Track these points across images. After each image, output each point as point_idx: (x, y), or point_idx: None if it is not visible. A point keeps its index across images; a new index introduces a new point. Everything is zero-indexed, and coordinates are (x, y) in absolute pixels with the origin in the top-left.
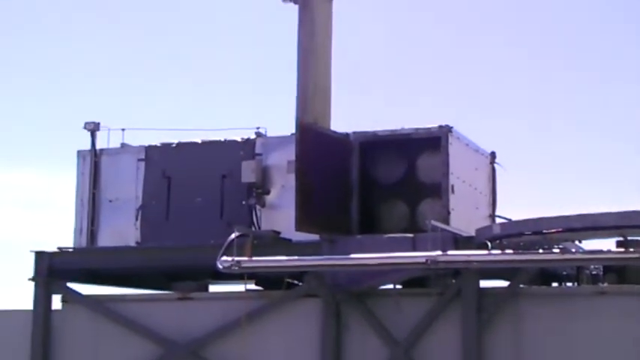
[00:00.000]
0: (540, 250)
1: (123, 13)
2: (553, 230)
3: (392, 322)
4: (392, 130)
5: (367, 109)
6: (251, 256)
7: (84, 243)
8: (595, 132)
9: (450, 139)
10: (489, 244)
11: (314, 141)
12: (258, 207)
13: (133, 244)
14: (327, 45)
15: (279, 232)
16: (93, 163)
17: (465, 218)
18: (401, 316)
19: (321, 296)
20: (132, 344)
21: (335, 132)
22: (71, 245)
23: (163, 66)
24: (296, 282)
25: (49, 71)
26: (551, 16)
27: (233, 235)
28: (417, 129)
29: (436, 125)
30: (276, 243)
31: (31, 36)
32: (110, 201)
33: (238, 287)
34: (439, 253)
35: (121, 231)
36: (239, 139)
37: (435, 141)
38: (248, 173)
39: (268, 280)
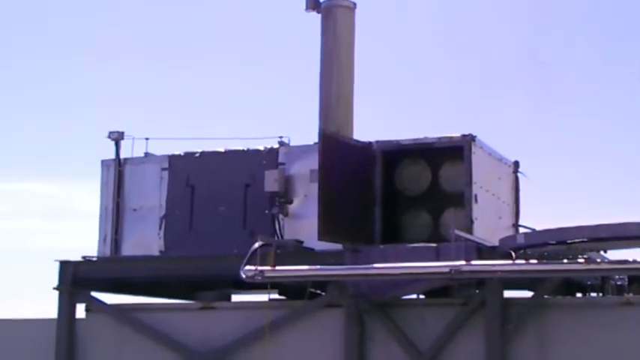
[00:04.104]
0: (565, 260)
1: (147, 23)
2: (577, 240)
3: (415, 332)
4: (415, 139)
5: (390, 118)
6: (274, 266)
7: (108, 252)
8: (620, 140)
9: (474, 148)
10: (513, 254)
11: (337, 150)
12: (281, 216)
13: (156, 253)
14: (350, 54)
15: (302, 242)
16: (117, 173)
17: (488, 228)
18: (424, 326)
19: (344, 306)
20: (155, 353)
21: (358, 141)
22: (95, 254)
23: (187, 75)
24: (319, 292)
25: (72, 80)
26: (576, 20)
27: (256, 245)
28: (440, 138)
29: (459, 134)
30: (299, 252)
31: (54, 47)
32: (134, 210)
33: (261, 297)
34: (463, 263)
35: (145, 240)
36: (262, 148)
37: (458, 150)
38: (271, 182)
39: (291, 289)
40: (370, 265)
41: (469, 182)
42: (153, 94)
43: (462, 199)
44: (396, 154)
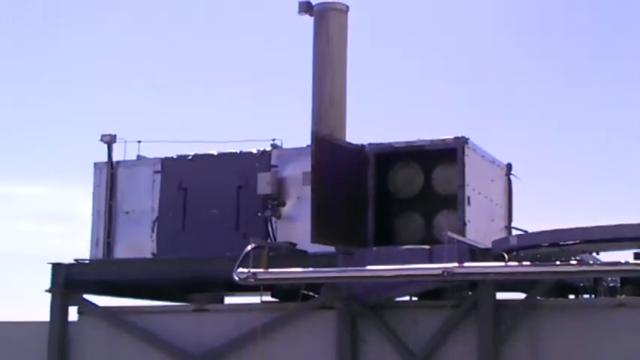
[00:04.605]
0: (557, 262)
1: (140, 27)
2: (570, 242)
3: (408, 334)
4: (407, 142)
5: (383, 120)
6: (267, 268)
7: (100, 255)
8: (612, 142)
9: (466, 151)
10: (506, 256)
11: (329, 152)
12: (273, 219)
13: (149, 255)
14: (343, 57)
15: (294, 244)
16: (109, 175)
17: (481, 230)
18: (417, 328)
19: (337, 308)
20: (147, 355)
21: (350, 143)
22: (88, 257)
23: (179, 78)
24: (312, 294)
25: (65, 84)
26: (574, 24)
27: (249, 247)
28: (432, 140)
29: (452, 136)
30: (291, 255)
31: (49, 50)
32: (126, 213)
33: (254, 299)
34: (455, 264)
35: (137, 243)
36: (255, 151)
37: (451, 152)
38: (264, 185)
39: (284, 291)
40: (363, 268)
41: (462, 185)
42: (145, 96)
43: (454, 202)
44: (389, 156)
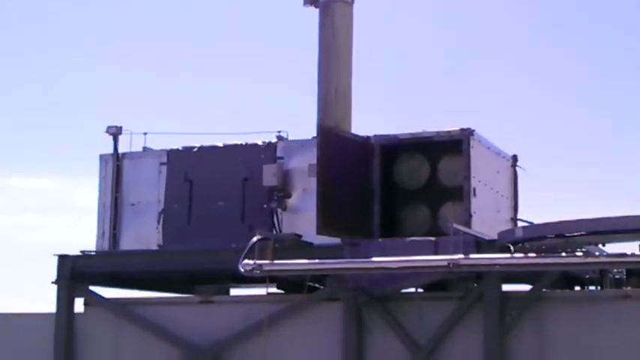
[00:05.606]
0: (563, 254)
1: (145, 18)
2: (576, 233)
3: (413, 325)
4: (413, 133)
5: (388, 112)
6: (272, 260)
7: (106, 246)
8: (618, 133)
9: (472, 142)
10: (512, 247)
11: (335, 144)
12: (279, 210)
13: (154, 247)
14: (348, 48)
15: (300, 236)
16: (115, 167)
17: (486, 221)
18: (422, 319)
19: (343, 300)
20: (153, 347)
21: (356, 135)
22: (94, 249)
23: (185, 70)
24: (317, 285)
25: (70, 75)
26: (576, 15)
27: (255, 239)
28: (438, 132)
29: (458, 128)
30: (297, 246)
31: (52, 42)
32: (132, 205)
33: (260, 291)
34: (461, 256)
35: (143, 234)
36: (260, 143)
37: (456, 144)
38: (269, 177)
39: (290, 283)
40: (369, 259)
41: (467, 176)
42: (151, 88)
43: (460, 193)
44: (395, 148)
